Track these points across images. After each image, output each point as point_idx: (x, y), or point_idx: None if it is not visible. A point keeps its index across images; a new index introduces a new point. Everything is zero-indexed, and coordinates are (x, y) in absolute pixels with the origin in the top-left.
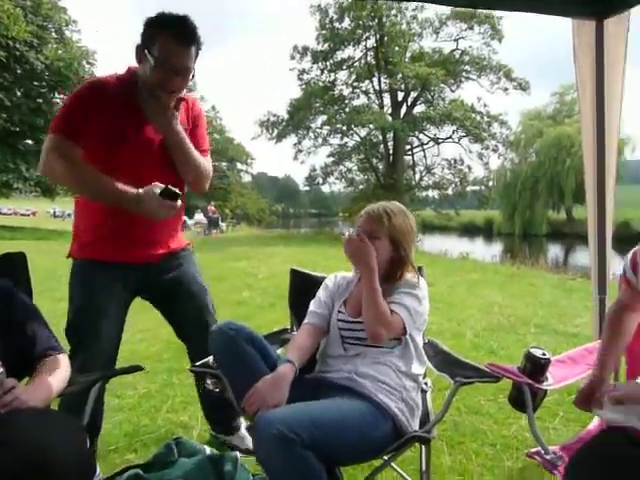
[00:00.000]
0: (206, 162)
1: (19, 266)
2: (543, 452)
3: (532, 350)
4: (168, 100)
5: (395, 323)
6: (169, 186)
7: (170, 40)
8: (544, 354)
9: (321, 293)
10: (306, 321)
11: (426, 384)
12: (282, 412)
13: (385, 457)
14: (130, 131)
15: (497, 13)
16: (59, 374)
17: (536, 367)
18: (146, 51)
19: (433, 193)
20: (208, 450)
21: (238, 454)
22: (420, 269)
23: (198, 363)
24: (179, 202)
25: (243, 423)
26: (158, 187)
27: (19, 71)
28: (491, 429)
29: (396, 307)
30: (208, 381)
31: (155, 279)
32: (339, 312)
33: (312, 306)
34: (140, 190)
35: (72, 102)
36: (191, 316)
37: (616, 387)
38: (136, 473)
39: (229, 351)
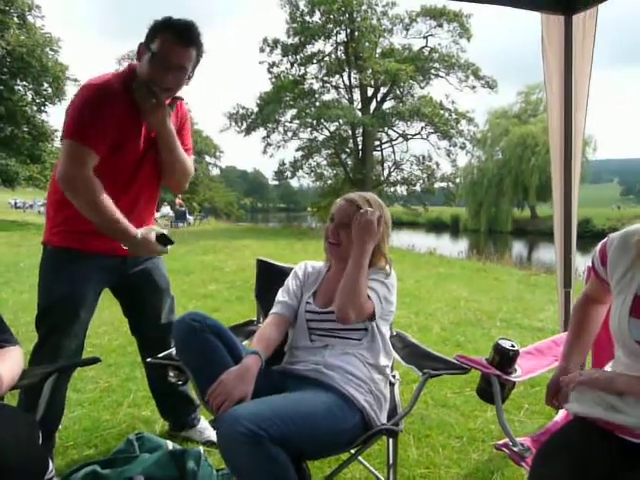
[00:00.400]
0: (190, 161)
1: None
2: (511, 444)
3: (501, 342)
4: (162, 97)
5: (366, 308)
6: (165, 234)
7: (170, 37)
8: (513, 346)
9: (290, 282)
10: (273, 311)
11: (394, 377)
12: (248, 408)
13: (352, 451)
14: (132, 134)
15: (466, 11)
16: (11, 367)
17: (505, 359)
18: (145, 46)
19: (401, 189)
20: (170, 445)
21: (201, 449)
22: None
23: (160, 355)
24: (169, 247)
25: (201, 417)
26: (154, 231)
27: None
28: (457, 422)
29: (368, 292)
30: (171, 373)
31: (127, 270)
32: (307, 303)
33: (280, 295)
34: (139, 232)
35: (82, 108)
36: (154, 309)
37: (581, 374)
38: (93, 470)
39: (192, 342)
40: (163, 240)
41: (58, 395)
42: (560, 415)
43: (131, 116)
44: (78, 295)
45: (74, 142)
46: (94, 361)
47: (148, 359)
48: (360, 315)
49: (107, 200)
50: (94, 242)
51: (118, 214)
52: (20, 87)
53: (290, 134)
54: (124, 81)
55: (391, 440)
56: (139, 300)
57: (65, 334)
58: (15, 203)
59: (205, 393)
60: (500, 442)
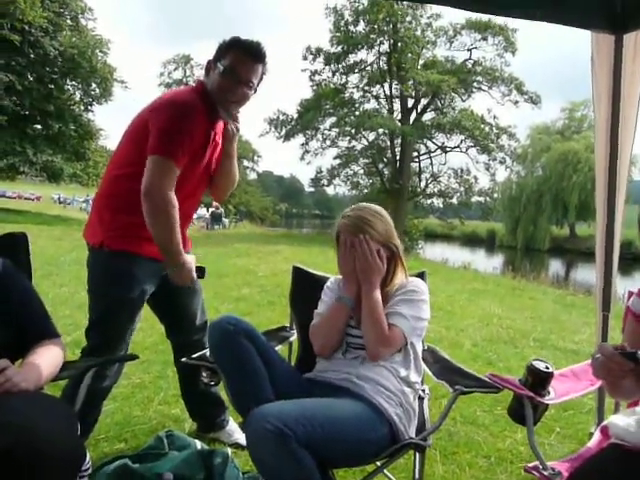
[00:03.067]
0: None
1: (20, 246)
2: (541, 467)
3: (534, 362)
4: (233, 110)
5: (396, 339)
6: (203, 268)
7: (240, 52)
8: (547, 367)
9: (327, 295)
10: (315, 321)
11: (424, 391)
12: (276, 407)
13: (378, 463)
14: (205, 144)
15: (511, 25)
16: (53, 359)
17: (538, 380)
18: (214, 62)
19: (438, 201)
20: (199, 445)
21: (229, 450)
22: (422, 274)
23: (195, 355)
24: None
25: (230, 419)
26: (194, 262)
27: (32, 56)
28: (486, 441)
29: (395, 319)
30: (204, 374)
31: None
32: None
33: (320, 308)
34: (187, 258)
35: (168, 126)
36: (190, 311)
37: None
38: (124, 463)
39: (227, 345)
40: (200, 271)
41: (100, 393)
42: (593, 441)
43: (205, 127)
44: (135, 299)
45: (161, 158)
46: (132, 358)
47: (182, 359)
48: (392, 347)
49: (177, 222)
50: (149, 247)
51: (179, 237)
52: (69, 87)
53: (329, 142)
54: (199, 95)
55: (418, 455)
56: (176, 303)
57: (120, 339)
58: (59, 198)
59: (236, 395)
60: (530, 465)
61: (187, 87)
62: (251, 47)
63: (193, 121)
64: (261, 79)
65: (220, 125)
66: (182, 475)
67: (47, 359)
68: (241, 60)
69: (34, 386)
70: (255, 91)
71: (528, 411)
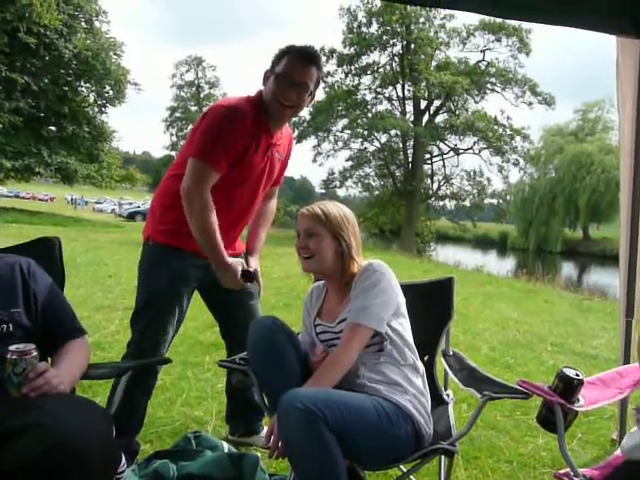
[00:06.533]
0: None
1: (54, 251)
2: (572, 474)
3: (565, 370)
4: (287, 116)
5: (361, 338)
6: (249, 270)
7: (293, 56)
8: (577, 374)
9: (305, 318)
10: None
11: (448, 396)
12: (307, 390)
13: (403, 468)
14: (251, 149)
15: (525, 26)
16: (82, 359)
17: (568, 387)
18: (271, 70)
19: (450, 203)
20: (226, 446)
21: (259, 455)
22: (451, 280)
23: (233, 358)
24: (249, 284)
25: (265, 427)
26: (241, 265)
27: (47, 58)
28: (507, 446)
29: (357, 317)
30: (234, 378)
31: None
32: (317, 325)
33: (301, 334)
34: (229, 260)
35: (212, 130)
36: (245, 311)
37: None
38: (164, 463)
39: (271, 342)
40: (246, 275)
41: (136, 399)
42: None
43: (252, 132)
44: (175, 291)
45: (201, 163)
46: (165, 362)
47: (218, 361)
48: (358, 349)
49: (214, 224)
50: (194, 243)
51: (219, 239)
52: (84, 88)
53: (341, 144)
54: (251, 102)
55: (446, 460)
56: (229, 303)
57: (161, 329)
58: (72, 199)
59: (271, 390)
60: (561, 471)
61: (244, 96)
62: (304, 50)
63: (238, 125)
64: (317, 84)
65: (281, 138)
66: (212, 476)
67: (78, 360)
68: (294, 63)
69: (70, 387)
70: (312, 97)
71: (559, 418)
